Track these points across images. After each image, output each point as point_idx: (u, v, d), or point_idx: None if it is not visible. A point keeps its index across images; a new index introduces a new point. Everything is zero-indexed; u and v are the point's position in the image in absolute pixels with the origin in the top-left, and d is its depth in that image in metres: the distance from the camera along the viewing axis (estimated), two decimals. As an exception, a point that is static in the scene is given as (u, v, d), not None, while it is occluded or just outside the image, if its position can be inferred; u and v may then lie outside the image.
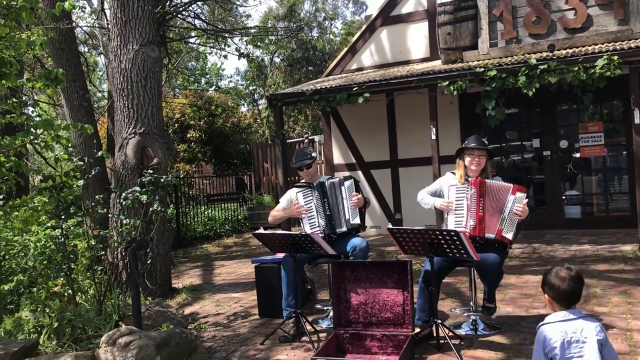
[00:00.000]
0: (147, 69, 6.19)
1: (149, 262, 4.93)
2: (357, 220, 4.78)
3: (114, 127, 6.89)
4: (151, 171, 5.54)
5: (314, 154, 5.08)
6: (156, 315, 4.71)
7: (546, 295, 2.70)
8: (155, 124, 6.22)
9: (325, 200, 4.84)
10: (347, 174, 9.99)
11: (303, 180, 5.06)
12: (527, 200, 4.26)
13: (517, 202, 4.21)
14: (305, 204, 4.89)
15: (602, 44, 7.50)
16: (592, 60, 6.75)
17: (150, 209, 5.29)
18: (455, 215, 4.33)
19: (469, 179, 4.35)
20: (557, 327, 2.56)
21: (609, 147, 8.82)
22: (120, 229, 5.50)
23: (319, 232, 4.79)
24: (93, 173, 4.90)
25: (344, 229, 4.80)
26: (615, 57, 6.62)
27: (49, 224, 5.19)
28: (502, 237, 4.20)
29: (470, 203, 4.27)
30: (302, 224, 4.98)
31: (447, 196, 4.41)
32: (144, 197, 5.18)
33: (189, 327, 4.96)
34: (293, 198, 5.02)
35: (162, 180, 5.31)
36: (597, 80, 6.78)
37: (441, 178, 4.66)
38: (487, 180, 4.29)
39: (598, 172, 9.07)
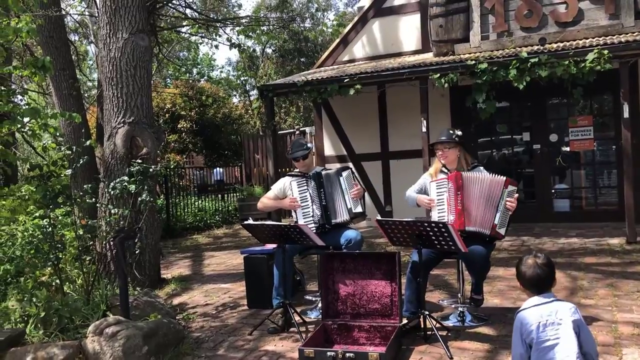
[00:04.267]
0: (137, 58, 6.14)
1: (137, 252, 4.92)
2: (359, 209, 4.80)
3: (103, 116, 6.84)
4: (140, 161, 5.51)
5: (309, 145, 5.09)
6: (144, 306, 4.69)
7: (519, 284, 2.75)
8: (145, 114, 6.18)
9: (322, 190, 4.83)
10: (337, 165, 10.02)
11: (297, 170, 5.05)
12: (517, 195, 4.28)
13: (508, 195, 4.23)
14: (299, 194, 4.88)
15: (593, 38, 7.52)
16: (583, 54, 6.77)
17: (139, 198, 5.27)
18: (437, 211, 4.36)
19: (448, 172, 4.38)
20: (532, 311, 2.60)
21: (599, 141, 8.87)
22: (108, 219, 5.47)
23: (312, 222, 4.79)
24: (81, 162, 4.86)
25: (340, 220, 4.80)
26: (606, 52, 6.64)
27: (36, 214, 5.15)
28: (496, 233, 4.22)
29: (449, 197, 4.29)
30: (293, 215, 4.98)
31: (429, 193, 4.45)
32: (133, 187, 5.15)
33: (177, 317, 4.96)
34: (287, 186, 5.01)
35: (151, 170, 5.29)
36: (587, 74, 6.80)
37: (423, 176, 4.69)
38: (463, 173, 4.32)
39: (587, 165, 9.12)
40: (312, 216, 4.82)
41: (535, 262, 2.69)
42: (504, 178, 4.27)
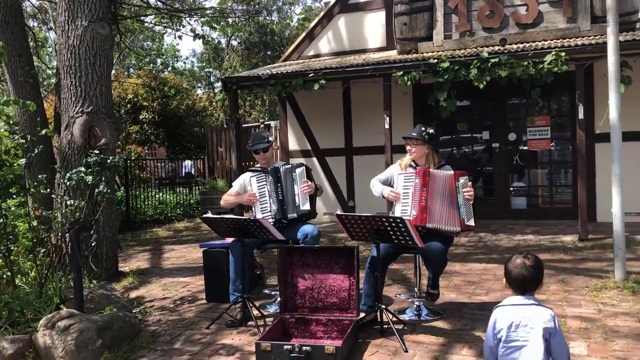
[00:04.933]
0: (97, 47, 6.00)
1: (93, 244, 4.81)
2: (306, 207, 4.78)
3: (60, 105, 6.67)
4: (98, 151, 5.39)
5: (271, 138, 5.07)
6: (100, 299, 4.61)
7: (504, 280, 2.77)
8: (104, 104, 6.05)
9: (279, 185, 4.83)
10: (302, 160, 10.03)
11: (258, 165, 5.04)
12: (470, 182, 4.39)
13: (462, 186, 4.32)
14: (258, 189, 4.88)
15: (552, 40, 7.72)
16: (541, 56, 6.94)
17: (96, 190, 5.17)
18: (401, 205, 4.40)
19: (417, 167, 4.44)
20: (510, 310, 2.62)
21: (556, 141, 9.12)
22: (64, 210, 5.35)
23: (270, 217, 4.79)
24: (36, 152, 4.72)
25: (295, 215, 4.82)
26: (563, 54, 6.82)
27: (-13, 204, 4.99)
28: (467, 227, 4.30)
29: (415, 192, 4.35)
30: (253, 210, 4.96)
31: (396, 186, 4.48)
32: (90, 178, 5.05)
33: (133, 311, 4.89)
34: (246, 182, 4.99)
35: (109, 161, 5.18)
36: (545, 75, 6.98)
37: (392, 166, 4.72)
38: (430, 170, 4.39)
39: (544, 165, 9.36)
40: (270, 211, 4.82)
41: (524, 262, 2.68)
42: (452, 172, 4.38)
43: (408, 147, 4.52)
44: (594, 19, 7.65)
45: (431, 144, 4.49)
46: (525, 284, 2.67)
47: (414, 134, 4.48)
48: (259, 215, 4.78)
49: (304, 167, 4.91)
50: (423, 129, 4.48)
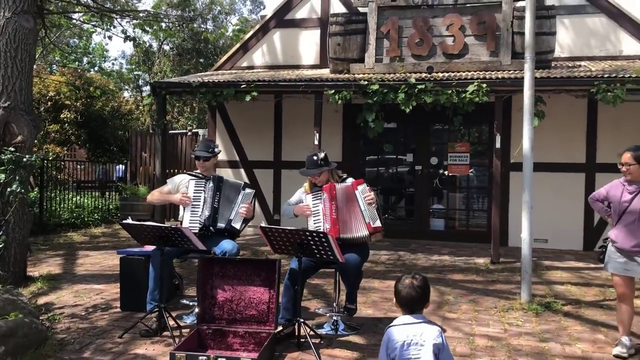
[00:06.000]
0: (19, 40, 5.74)
1: (1, 245, 4.56)
2: (237, 225, 4.85)
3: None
4: (13, 149, 5.14)
5: (216, 150, 5.07)
6: (4, 304, 4.35)
7: (394, 299, 2.88)
8: (23, 99, 5.78)
9: (218, 193, 4.85)
10: (229, 171, 9.98)
11: (198, 171, 5.00)
12: (369, 186, 4.56)
13: (362, 193, 4.50)
14: (194, 193, 4.84)
15: (475, 71, 8.12)
16: (465, 85, 7.30)
17: (8, 189, 4.92)
18: (314, 221, 4.52)
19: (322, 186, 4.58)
20: (401, 329, 2.74)
21: (474, 168, 9.57)
22: (-30, 209, 5.05)
23: (197, 222, 4.75)
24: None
25: (223, 225, 4.81)
26: (484, 85, 7.21)
27: None
28: (374, 229, 4.44)
29: (325, 207, 4.48)
30: (181, 211, 4.91)
31: (305, 202, 4.61)
32: (2, 176, 4.80)
33: (41, 317, 4.65)
34: (183, 183, 4.95)
35: (24, 159, 4.95)
36: (467, 104, 7.33)
37: (298, 190, 4.84)
38: (336, 185, 4.56)
39: (463, 189, 9.79)
40: (200, 216, 4.78)
41: (412, 282, 2.80)
42: (351, 180, 4.59)
43: (310, 179, 4.65)
44: (514, 55, 8.13)
45: (328, 165, 4.60)
46: (414, 303, 2.80)
47: (312, 170, 4.56)
48: (187, 218, 4.76)
49: (254, 192, 5.02)
50: (315, 158, 4.58)
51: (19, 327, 3.85)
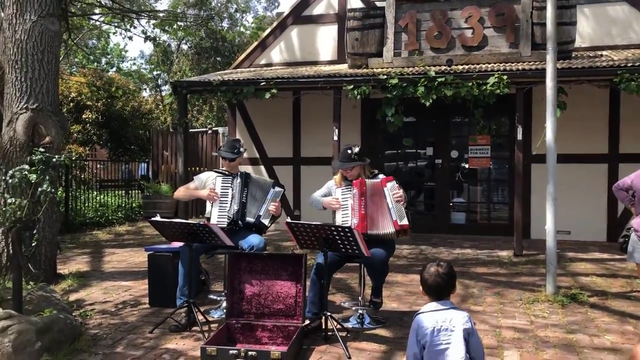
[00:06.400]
0: (45, 43, 5.86)
1: (33, 244, 4.67)
2: (266, 222, 4.94)
3: (3, 100, 6.44)
4: (42, 150, 5.25)
5: (242, 150, 5.15)
6: (39, 300, 4.48)
7: (421, 288, 2.93)
8: (50, 101, 5.90)
9: (246, 189, 4.95)
10: (250, 168, 10.06)
11: (224, 169, 5.11)
12: (398, 184, 4.57)
13: (391, 190, 4.51)
14: (221, 189, 4.94)
15: (495, 63, 8.08)
16: (485, 78, 7.26)
17: (39, 189, 5.01)
18: (342, 215, 4.55)
19: (352, 180, 4.60)
20: (430, 316, 2.79)
21: (495, 160, 9.52)
22: (4, 209, 5.16)
23: (225, 217, 4.84)
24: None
25: (252, 220, 4.90)
26: (505, 77, 7.16)
27: None
28: (401, 227, 4.45)
29: (354, 202, 4.51)
30: (208, 206, 5.00)
31: (335, 195, 4.65)
32: (33, 176, 4.90)
33: (74, 314, 4.77)
34: (210, 180, 5.04)
35: (54, 159, 5.06)
36: (488, 96, 7.30)
37: (328, 182, 4.87)
38: (366, 180, 4.58)
39: (483, 182, 9.75)
40: (228, 211, 4.87)
41: (437, 270, 2.86)
42: (381, 177, 4.59)
43: (342, 171, 4.65)
44: (534, 46, 8.08)
45: (362, 160, 4.63)
46: (441, 290, 2.86)
47: (346, 163, 4.58)
48: (215, 213, 4.85)
49: (283, 190, 5.11)
50: (350, 152, 4.60)
51: (54, 323, 3.95)
